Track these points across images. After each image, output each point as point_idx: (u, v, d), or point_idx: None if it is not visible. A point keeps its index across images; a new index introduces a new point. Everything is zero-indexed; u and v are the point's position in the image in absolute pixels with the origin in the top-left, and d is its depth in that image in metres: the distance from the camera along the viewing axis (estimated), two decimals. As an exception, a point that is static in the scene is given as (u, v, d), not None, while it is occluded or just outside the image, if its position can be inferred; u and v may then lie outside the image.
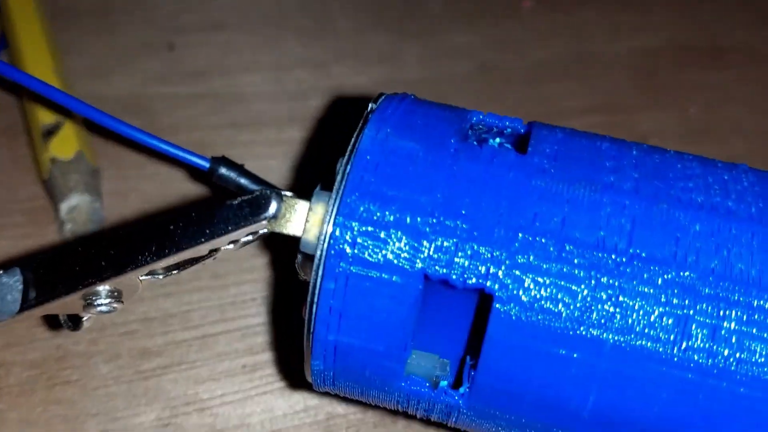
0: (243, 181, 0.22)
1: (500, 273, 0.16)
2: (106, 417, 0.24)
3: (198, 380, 0.26)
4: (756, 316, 0.15)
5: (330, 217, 0.16)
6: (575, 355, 0.15)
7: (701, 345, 0.15)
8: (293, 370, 0.26)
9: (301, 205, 0.17)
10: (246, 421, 0.25)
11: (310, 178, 0.32)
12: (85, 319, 0.20)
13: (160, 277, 0.18)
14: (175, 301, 0.28)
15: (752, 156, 0.35)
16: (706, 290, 0.15)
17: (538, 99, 0.37)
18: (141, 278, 0.18)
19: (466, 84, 0.37)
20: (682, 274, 0.15)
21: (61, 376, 0.25)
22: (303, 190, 0.21)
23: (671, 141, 0.35)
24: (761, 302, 0.15)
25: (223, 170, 0.22)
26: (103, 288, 0.18)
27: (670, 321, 0.15)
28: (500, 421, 0.17)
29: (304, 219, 0.17)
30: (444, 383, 0.17)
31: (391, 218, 0.16)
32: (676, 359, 0.15)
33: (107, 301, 0.19)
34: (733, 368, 0.15)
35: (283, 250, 0.29)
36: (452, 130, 0.17)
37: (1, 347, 0.26)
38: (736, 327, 0.15)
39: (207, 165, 0.22)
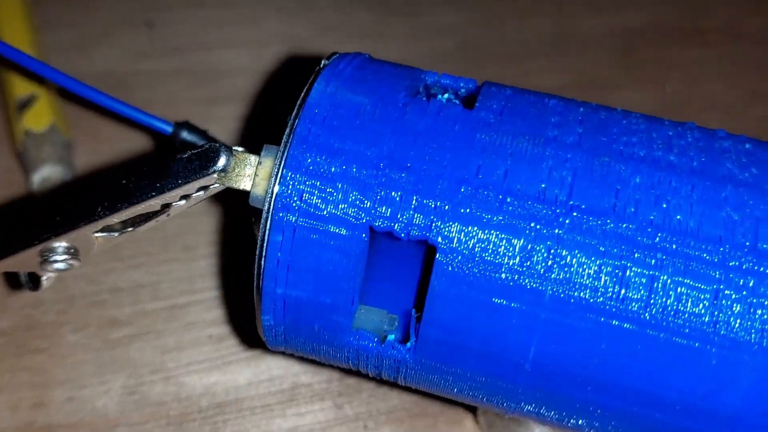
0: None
1: (442, 225, 0.16)
2: (74, 384, 0.25)
3: (165, 350, 0.26)
4: (693, 266, 0.15)
5: (277, 170, 0.16)
6: (515, 306, 0.16)
7: (639, 296, 0.15)
8: (259, 341, 0.27)
9: (251, 159, 0.17)
10: (211, 389, 0.25)
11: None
12: (44, 278, 0.20)
13: (116, 234, 0.19)
14: (145, 271, 0.28)
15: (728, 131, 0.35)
16: (645, 240, 0.15)
17: (517, 76, 0.37)
18: (96, 235, 0.18)
19: (447, 61, 0.37)
20: (620, 225, 0.16)
21: (30, 344, 0.26)
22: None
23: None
24: (698, 252, 0.15)
25: (185, 134, 0.22)
26: (58, 244, 0.19)
27: (608, 271, 0.15)
28: (447, 376, 0.17)
29: (252, 173, 0.17)
30: (392, 337, 0.17)
31: (338, 171, 0.16)
32: (614, 310, 0.15)
33: (63, 257, 0.19)
34: (670, 318, 0.15)
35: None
36: (402, 86, 0.18)
37: (-29, 314, 0.26)
38: (674, 278, 0.15)
39: (170, 129, 0.22)
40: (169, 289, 0.27)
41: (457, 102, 0.19)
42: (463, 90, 0.19)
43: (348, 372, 0.25)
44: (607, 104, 0.35)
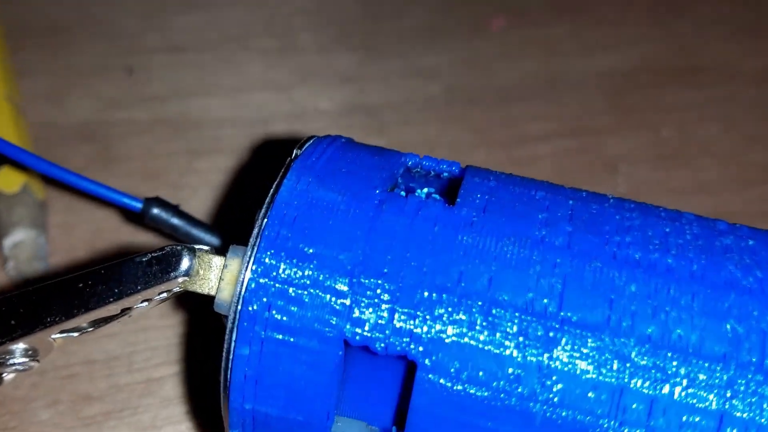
0: (176, 221, 0.21)
1: (423, 339, 0.15)
2: (43, 466, 0.23)
3: (140, 427, 0.25)
4: (695, 388, 0.14)
5: (243, 276, 0.15)
6: (503, 429, 0.14)
7: (638, 419, 0.14)
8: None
9: (216, 261, 0.16)
10: (188, 471, 0.24)
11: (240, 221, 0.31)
12: (3, 376, 0.19)
13: (75, 335, 0.17)
14: (119, 341, 0.26)
15: (723, 180, 0.34)
16: (642, 360, 0.14)
17: (505, 122, 0.36)
18: (54, 337, 0.17)
19: (431, 107, 0.36)
20: (616, 341, 0.14)
21: (-2, 423, 0.24)
22: (236, 233, 0.20)
23: (641, 165, 0.34)
24: (701, 373, 0.14)
25: (155, 211, 0.21)
26: (16, 347, 0.17)
27: (604, 393, 0.14)
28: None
29: (217, 277, 0.16)
30: (369, 453, 0.16)
31: (308, 279, 0.15)
32: (609, 424, 0.14)
33: (22, 360, 0.18)
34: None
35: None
36: (380, 178, 0.16)
37: (-68, 392, 0.25)
38: (675, 399, 0.14)
39: (139, 206, 0.21)
40: (145, 360, 0.26)
41: (438, 197, 0.17)
42: (445, 173, 0.18)
43: None
44: (600, 150, 0.35)
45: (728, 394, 0.14)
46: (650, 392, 0.14)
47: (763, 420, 0.14)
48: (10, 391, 0.25)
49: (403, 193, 0.17)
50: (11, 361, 0.18)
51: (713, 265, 0.15)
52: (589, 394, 0.14)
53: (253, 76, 0.37)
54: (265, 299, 0.15)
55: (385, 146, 0.36)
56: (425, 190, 0.18)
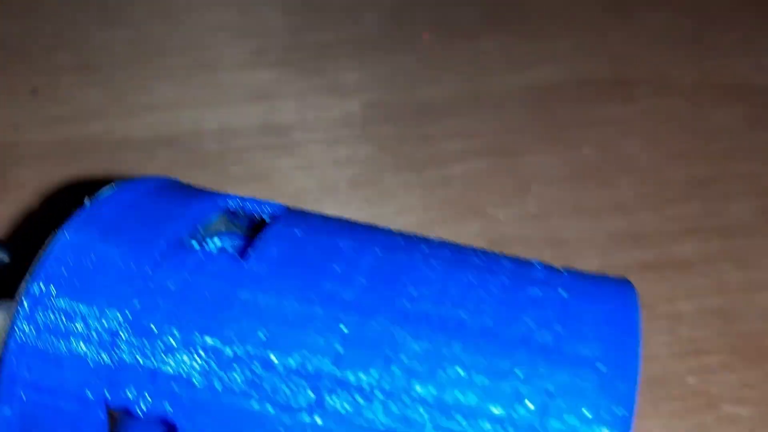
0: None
1: (184, 403, 0.14)
2: None
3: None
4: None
5: (5, 335, 0.14)
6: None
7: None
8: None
9: (-11, 318, 0.15)
10: None
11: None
12: None
13: None
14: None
15: (640, 198, 0.33)
16: (417, 418, 0.13)
17: (421, 141, 0.35)
18: None
19: (345, 126, 0.35)
20: (388, 406, 0.13)
21: None
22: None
23: (556, 185, 0.33)
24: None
25: (-13, 252, 0.20)
26: None
27: (373, 460, 0.13)
28: None
29: (-12, 335, 0.15)
30: None
31: (72, 338, 0.14)
32: None
33: None
34: None
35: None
36: (175, 229, 0.15)
37: None
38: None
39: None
40: None
41: (230, 248, 0.17)
42: (266, 217, 0.17)
43: None
44: (515, 171, 0.34)
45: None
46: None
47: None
48: None
49: (194, 246, 0.16)
50: None
51: (510, 319, 0.14)
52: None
53: (163, 94, 0.36)
54: (25, 359, 0.14)
55: (293, 167, 0.35)
56: (219, 243, 0.17)
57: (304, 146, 0.34)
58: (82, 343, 0.14)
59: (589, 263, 0.31)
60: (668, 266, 0.31)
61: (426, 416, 0.13)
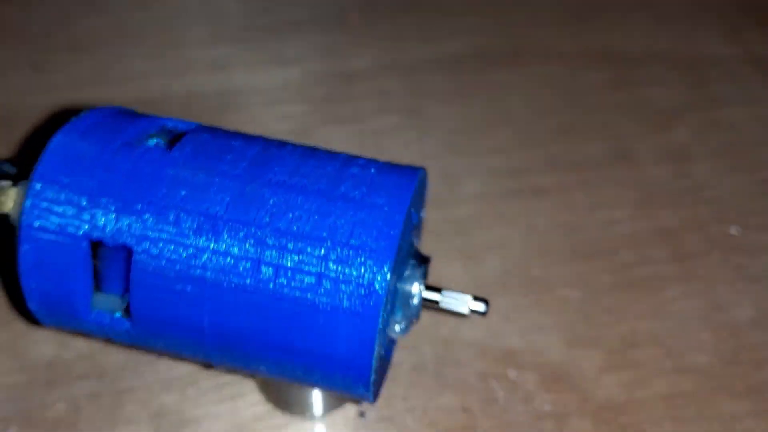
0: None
1: (137, 235, 0.23)
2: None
3: (15, 333, 0.33)
4: (304, 257, 0.22)
5: (23, 199, 0.23)
6: (188, 289, 0.22)
7: (267, 278, 0.22)
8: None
9: (12, 191, 0.24)
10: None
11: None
12: None
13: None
14: None
15: (514, 143, 0.42)
16: (271, 241, 0.22)
17: (344, 101, 0.43)
18: None
19: (285, 89, 0.44)
20: (257, 231, 0.22)
21: None
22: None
23: (451, 134, 0.42)
24: (309, 248, 0.22)
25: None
26: None
27: (248, 263, 0.22)
28: (163, 340, 0.24)
29: (12, 201, 0.24)
30: (118, 314, 0.24)
31: (63, 198, 0.23)
32: (250, 288, 0.22)
33: None
34: (286, 291, 0.22)
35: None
36: (127, 135, 0.24)
37: None
38: (291, 265, 0.22)
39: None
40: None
41: (163, 145, 0.25)
42: (186, 130, 0.26)
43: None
44: (417, 123, 0.42)
45: (323, 261, 0.22)
46: (276, 261, 0.22)
47: (338, 275, 0.22)
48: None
49: (138, 144, 0.24)
50: None
51: (333, 184, 0.23)
52: (239, 264, 0.22)
53: (137, 67, 0.44)
54: (37, 212, 0.23)
55: (243, 122, 0.44)
56: (155, 141, 0.25)
57: (253, 107, 0.43)
58: (69, 201, 0.23)
59: (472, 190, 0.39)
60: (530, 192, 0.40)
61: (278, 238, 0.22)
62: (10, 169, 0.29)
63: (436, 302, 0.25)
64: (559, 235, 0.38)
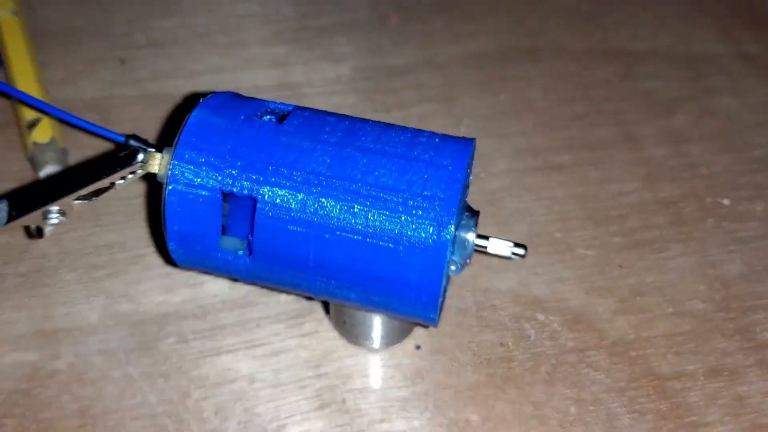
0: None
1: (259, 188, 0.29)
2: (70, 305, 0.38)
3: (129, 282, 0.39)
4: (389, 204, 0.29)
5: (170, 161, 0.30)
6: (299, 229, 0.29)
7: (360, 221, 0.29)
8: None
9: (158, 155, 0.31)
10: (159, 306, 0.38)
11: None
12: (46, 229, 0.34)
13: (87, 202, 0.32)
14: (117, 234, 0.41)
15: (537, 127, 0.48)
16: (364, 191, 0.29)
17: (390, 92, 0.50)
18: (74, 202, 0.32)
19: (339, 83, 0.51)
20: (352, 185, 0.29)
21: (40, 281, 0.39)
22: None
23: (482, 119, 0.48)
24: (392, 197, 0.29)
25: (131, 141, 0.35)
26: (53, 207, 0.32)
27: (345, 208, 0.29)
28: (274, 274, 0.31)
29: (158, 163, 0.30)
30: (240, 252, 0.31)
31: (203, 160, 0.30)
32: (348, 228, 0.29)
33: (56, 216, 0.32)
34: (371, 230, 0.29)
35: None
36: (245, 112, 0.31)
37: (1, 264, 0.39)
38: (378, 210, 0.29)
39: (122, 139, 0.35)
40: (133, 245, 0.41)
41: (274, 120, 0.32)
42: (288, 110, 0.32)
43: (233, 281, 0.39)
44: (452, 109, 0.49)
45: (404, 207, 0.28)
46: (367, 208, 0.29)
47: (417, 220, 0.28)
48: (46, 263, 0.40)
49: (256, 119, 0.31)
50: (50, 216, 0.32)
51: (408, 149, 0.30)
52: (340, 211, 0.29)
53: (210, 63, 0.51)
54: (180, 172, 0.30)
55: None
56: (269, 117, 0.32)
57: (310, 97, 0.50)
58: (208, 163, 0.30)
59: (499, 166, 0.46)
60: (550, 168, 0.46)
61: (368, 188, 0.29)
62: (139, 141, 0.35)
63: (485, 247, 0.32)
64: (576, 204, 0.44)
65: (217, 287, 0.39)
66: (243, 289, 0.39)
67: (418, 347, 0.37)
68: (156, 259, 0.40)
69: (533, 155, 0.47)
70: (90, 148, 0.45)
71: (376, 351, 0.37)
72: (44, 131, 0.44)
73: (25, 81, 0.46)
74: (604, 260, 0.42)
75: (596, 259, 0.42)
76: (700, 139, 0.49)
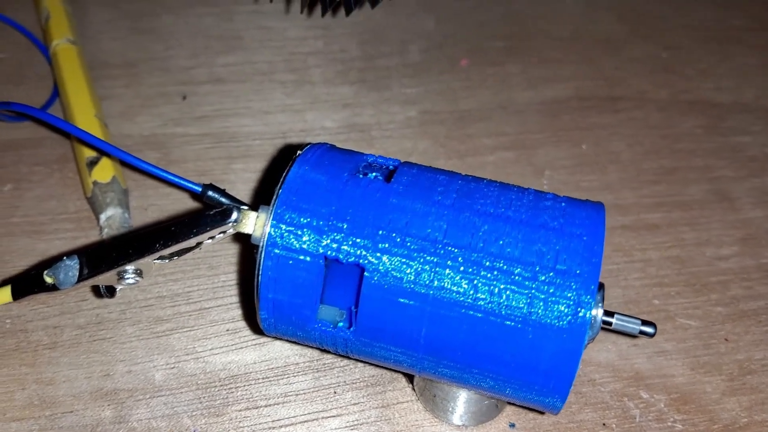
0: (224, 200, 0.32)
1: (368, 255, 0.26)
2: (131, 362, 0.35)
3: (195, 339, 0.36)
4: (516, 279, 0.26)
5: (267, 222, 0.27)
6: (411, 303, 0.26)
7: (483, 296, 0.25)
8: (262, 332, 0.37)
9: (252, 214, 0.28)
10: (228, 366, 0.35)
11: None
12: (118, 289, 0.31)
13: (167, 261, 0.29)
14: (181, 284, 0.38)
15: (623, 182, 0.45)
16: (487, 263, 0.26)
17: (463, 138, 0.47)
18: (154, 261, 0.29)
19: (409, 126, 0.48)
20: (473, 254, 0.26)
21: (99, 335, 0.36)
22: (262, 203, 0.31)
23: (562, 170, 0.46)
24: (520, 270, 0.26)
25: (210, 192, 0.32)
26: (130, 267, 0.29)
27: (466, 282, 0.26)
28: (376, 349, 0.27)
29: (253, 223, 0.27)
30: (341, 324, 0.28)
31: (304, 222, 0.27)
32: (468, 305, 0.26)
33: (133, 276, 0.29)
34: (503, 311, 0.25)
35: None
36: (347, 168, 0.28)
37: (57, 315, 0.36)
38: (505, 285, 0.25)
39: (199, 189, 0.33)
40: (198, 296, 0.38)
41: (381, 178, 0.29)
42: (391, 166, 0.30)
43: (322, 351, 0.35)
44: (531, 159, 0.46)
45: (535, 283, 0.25)
46: (492, 282, 0.26)
47: (550, 298, 0.25)
48: (107, 314, 0.37)
49: (361, 176, 0.28)
50: (126, 276, 0.29)
51: (534, 215, 0.27)
52: (458, 283, 0.26)
53: (276, 101, 0.48)
54: (279, 234, 0.27)
55: (379, 153, 0.47)
56: (374, 174, 0.29)
57: (380, 140, 0.47)
58: (310, 225, 0.27)
59: (585, 225, 0.43)
60: (642, 227, 0.43)
61: (492, 260, 0.26)
62: (216, 192, 0.32)
63: (609, 324, 0.29)
64: (672, 268, 0.41)
65: (288, 346, 0.36)
66: (317, 350, 0.36)
67: (512, 425, 0.34)
68: (223, 313, 0.37)
69: (622, 212, 0.44)
70: (152, 188, 0.42)
71: (465, 428, 0.34)
72: (106, 170, 0.41)
73: (85, 116, 0.43)
74: (708, 332, 0.39)
75: (699, 331, 0.39)
76: (799, 201, 0.46)
